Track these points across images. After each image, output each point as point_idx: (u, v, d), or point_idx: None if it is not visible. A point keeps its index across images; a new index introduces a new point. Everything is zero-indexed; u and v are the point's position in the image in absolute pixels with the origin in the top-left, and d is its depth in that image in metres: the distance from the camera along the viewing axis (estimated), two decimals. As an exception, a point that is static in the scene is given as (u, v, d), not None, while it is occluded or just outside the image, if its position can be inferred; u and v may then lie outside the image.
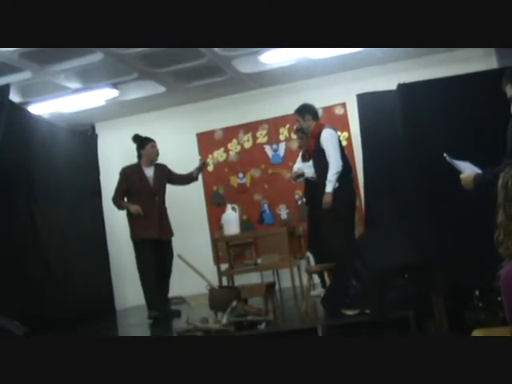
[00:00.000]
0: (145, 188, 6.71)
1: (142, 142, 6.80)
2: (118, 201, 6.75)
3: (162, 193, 6.85)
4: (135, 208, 6.56)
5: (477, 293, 4.90)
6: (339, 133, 7.27)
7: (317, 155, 6.23)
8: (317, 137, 6.21)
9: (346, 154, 6.38)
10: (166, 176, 6.95)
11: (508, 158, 2.91)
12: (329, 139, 6.13)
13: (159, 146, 6.80)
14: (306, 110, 6.38)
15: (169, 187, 6.99)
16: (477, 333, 3.32)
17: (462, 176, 3.38)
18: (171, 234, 6.84)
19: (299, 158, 7.04)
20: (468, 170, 3.34)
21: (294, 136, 7.71)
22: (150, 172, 6.78)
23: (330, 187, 5.97)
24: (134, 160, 6.86)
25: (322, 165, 6.13)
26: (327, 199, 5.96)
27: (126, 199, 6.72)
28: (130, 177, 6.72)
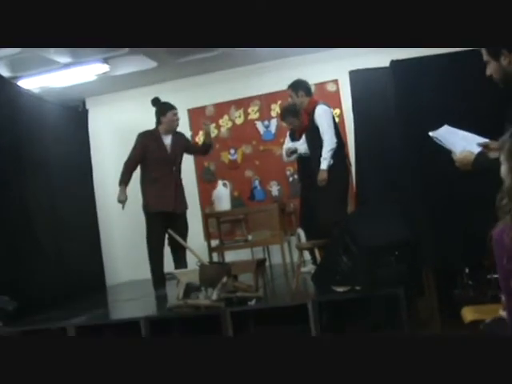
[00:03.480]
0: (162, 157, 6.50)
1: (163, 108, 6.56)
2: (126, 169, 6.46)
3: (178, 163, 6.66)
4: (120, 198, 6.37)
5: (466, 270, 4.92)
6: (331, 109, 7.25)
7: (310, 132, 6.23)
8: (310, 113, 6.20)
9: (339, 130, 6.37)
10: (184, 145, 6.79)
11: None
12: (323, 116, 6.13)
13: (150, 121, 6.68)
14: (299, 86, 6.35)
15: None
16: (466, 310, 3.34)
17: (456, 157, 3.10)
18: (186, 206, 6.67)
19: (287, 138, 6.99)
20: (459, 146, 3.20)
21: (284, 124, 7.43)
22: (167, 140, 6.56)
23: (324, 164, 5.98)
24: (124, 135, 6.80)
25: (315, 141, 6.13)
26: (322, 176, 5.97)
27: (139, 167, 6.53)
28: (147, 144, 6.49)
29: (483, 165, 2.93)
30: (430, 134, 3.26)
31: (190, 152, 6.97)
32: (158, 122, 6.58)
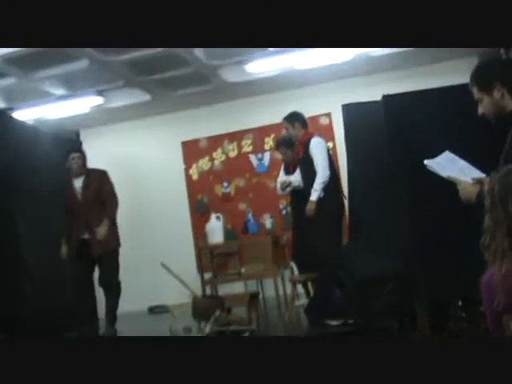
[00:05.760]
0: (72, 202, 6.29)
1: (67, 151, 6.42)
2: (64, 222, 6.34)
3: (90, 204, 6.22)
4: (62, 251, 6.30)
5: (459, 303, 4.91)
6: (325, 142, 7.30)
7: (305, 163, 6.26)
8: (305, 145, 6.25)
9: (333, 164, 6.40)
10: (99, 185, 6.34)
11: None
12: (318, 148, 6.18)
13: (143, 153, 6.68)
14: (295, 118, 6.41)
15: (149, 190, 6.60)
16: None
17: (461, 187, 3.03)
18: (105, 249, 6.19)
19: (282, 172, 6.99)
20: (456, 175, 3.14)
21: (277, 153, 7.44)
22: (78, 183, 6.33)
23: (314, 196, 6.01)
24: (118, 167, 6.79)
25: (309, 173, 6.16)
26: (311, 207, 6.00)
27: None
28: (66, 192, 6.38)
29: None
30: (426, 162, 3.23)
31: (101, 196, 6.30)
32: None
